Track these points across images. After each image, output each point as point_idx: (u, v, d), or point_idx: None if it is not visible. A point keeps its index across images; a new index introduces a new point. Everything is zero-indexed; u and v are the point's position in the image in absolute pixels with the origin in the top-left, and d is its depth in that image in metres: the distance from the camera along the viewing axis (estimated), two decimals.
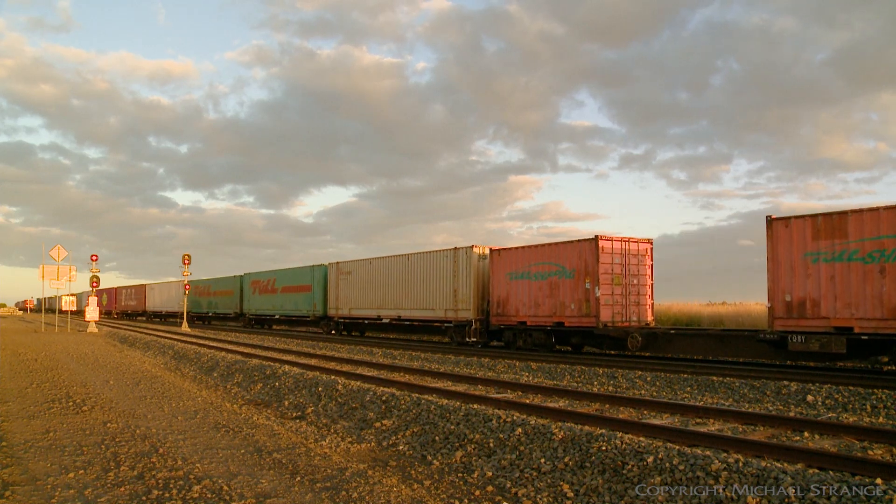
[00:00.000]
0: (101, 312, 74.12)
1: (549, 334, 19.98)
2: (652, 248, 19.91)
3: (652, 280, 19.85)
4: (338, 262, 31.29)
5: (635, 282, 19.31)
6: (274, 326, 41.55)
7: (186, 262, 41.62)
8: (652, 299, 19.89)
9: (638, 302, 19.34)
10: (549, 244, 20.14)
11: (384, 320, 27.24)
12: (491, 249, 22.08)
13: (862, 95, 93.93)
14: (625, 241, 19.15)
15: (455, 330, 23.23)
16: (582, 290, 18.75)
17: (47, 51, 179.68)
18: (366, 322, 29.34)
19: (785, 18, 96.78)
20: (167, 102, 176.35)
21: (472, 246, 22.56)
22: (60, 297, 52.23)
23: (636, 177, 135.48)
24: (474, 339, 22.15)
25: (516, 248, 21.35)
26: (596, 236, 18.49)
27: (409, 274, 25.69)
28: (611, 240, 18.74)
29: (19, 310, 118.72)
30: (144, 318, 61.29)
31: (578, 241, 18.99)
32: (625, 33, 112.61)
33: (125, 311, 69.47)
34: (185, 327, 40.49)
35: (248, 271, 42.26)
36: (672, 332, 20.58)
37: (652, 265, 19.87)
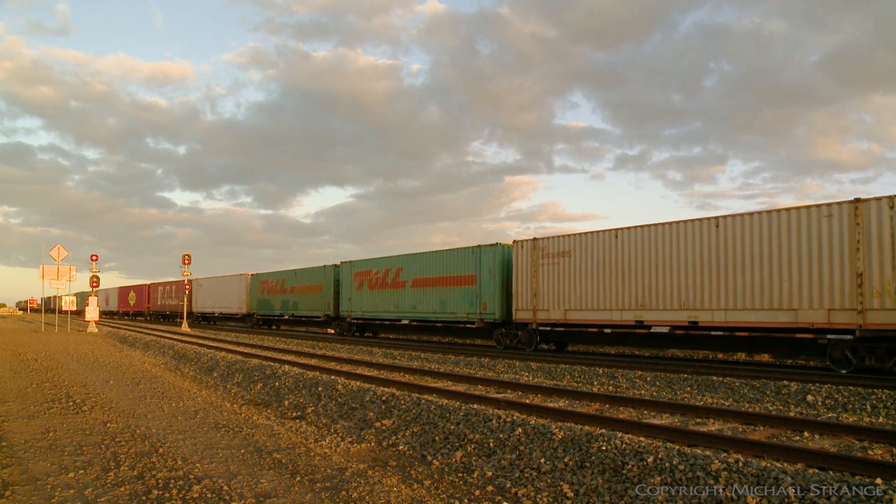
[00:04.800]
0: (131, 313, 67.89)
1: None
2: None
3: None
4: (535, 239, 20.34)
5: None
6: (381, 334, 31.21)
7: (186, 261, 41.61)
8: None
9: None
10: None
11: (657, 328, 16.72)
12: None
13: (854, 97, 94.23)
14: None
15: (864, 345, 13.38)
16: None
17: (46, 53, 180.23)
18: (606, 331, 18.35)
19: (776, 21, 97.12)
20: (165, 104, 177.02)
21: None
22: (60, 297, 52.14)
23: (632, 177, 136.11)
24: None
25: None
26: None
27: (719, 250, 15.57)
28: None
29: (19, 309, 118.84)
30: (190, 321, 50.16)
31: None
32: (616, 36, 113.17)
33: (162, 311, 58.27)
34: (185, 327, 40.49)
35: (346, 259, 31.24)
36: None
37: None
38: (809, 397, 10.89)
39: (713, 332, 15.79)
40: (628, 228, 17.68)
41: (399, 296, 26.71)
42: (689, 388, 12.31)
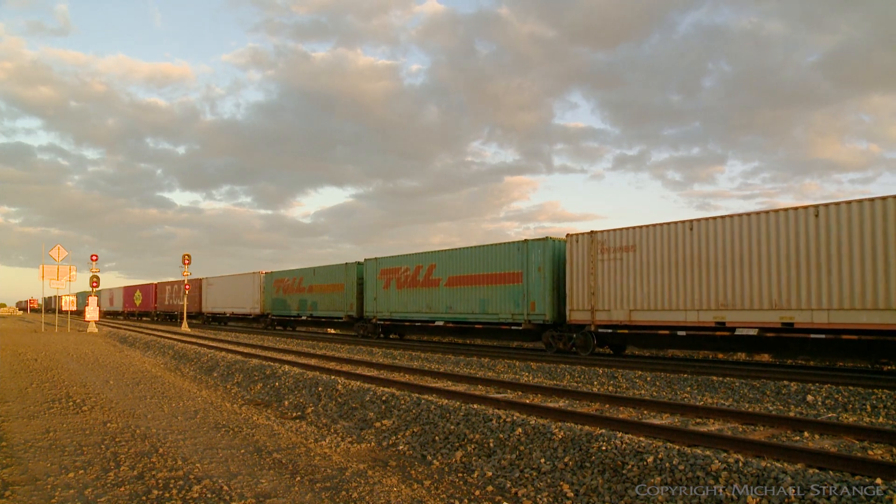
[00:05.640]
0: (136, 313, 65.90)
1: None
2: None
3: None
4: (593, 232, 18.56)
5: None
6: (408, 336, 29.31)
7: (186, 261, 41.61)
8: None
9: None
10: None
11: (742, 330, 14.97)
12: None
13: (853, 97, 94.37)
14: None
15: None
16: None
17: (46, 54, 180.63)
18: (679, 333, 16.44)
19: (774, 22, 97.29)
20: (164, 104, 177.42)
21: None
22: (61, 297, 52.11)
23: (631, 177, 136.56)
24: None
25: None
26: None
27: (820, 242, 13.80)
28: None
29: (19, 309, 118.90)
30: (200, 322, 49.75)
31: None
32: (615, 36, 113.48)
33: (170, 311, 55.47)
34: (184, 327, 40.50)
35: (370, 256, 29.04)
36: None
37: None
38: (809, 397, 10.89)
39: (812, 336, 13.93)
40: (706, 219, 15.94)
41: (432, 295, 24.60)
42: (689, 388, 12.30)
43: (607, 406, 10.25)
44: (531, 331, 20.61)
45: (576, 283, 18.82)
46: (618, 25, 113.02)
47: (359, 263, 30.06)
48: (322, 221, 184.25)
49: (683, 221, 16.42)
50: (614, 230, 18.03)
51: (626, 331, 17.73)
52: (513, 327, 20.93)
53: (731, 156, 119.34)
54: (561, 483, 6.22)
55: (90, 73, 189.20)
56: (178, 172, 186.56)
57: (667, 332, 16.70)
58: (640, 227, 17.39)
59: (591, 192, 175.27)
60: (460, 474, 6.82)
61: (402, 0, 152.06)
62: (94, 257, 38.94)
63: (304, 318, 35.25)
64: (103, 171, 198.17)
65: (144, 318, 63.32)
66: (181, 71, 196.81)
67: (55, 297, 58.90)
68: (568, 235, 19.28)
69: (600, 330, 18.18)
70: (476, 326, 22.77)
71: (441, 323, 24.13)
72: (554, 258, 20.03)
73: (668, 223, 16.79)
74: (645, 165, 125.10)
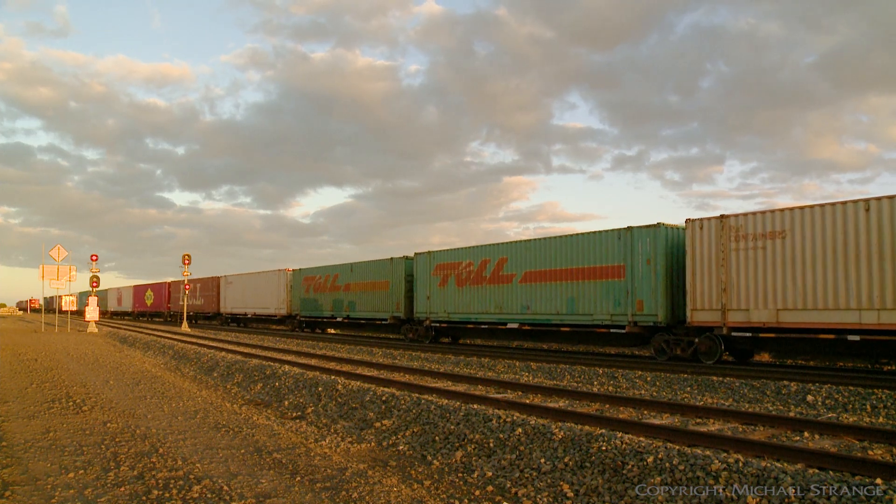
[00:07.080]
0: (148, 313, 62.74)
1: None
2: None
3: None
4: (723, 217, 15.70)
5: None
6: (466, 339, 26.15)
7: (186, 261, 41.63)
8: None
9: None
10: None
11: None
12: None
13: (851, 98, 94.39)
14: None
15: None
16: None
17: (45, 54, 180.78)
18: (850, 338, 13.62)
19: (771, 22, 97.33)
20: (164, 105, 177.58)
21: None
22: (61, 297, 52.05)
23: (630, 177, 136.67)
24: None
25: None
26: None
27: None
28: None
29: (19, 310, 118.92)
30: (218, 322, 47.34)
31: None
32: (612, 37, 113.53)
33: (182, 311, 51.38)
34: (184, 327, 40.49)
35: (420, 250, 25.81)
36: None
37: None
38: (809, 397, 10.89)
39: None
40: (890, 198, 13.02)
41: (503, 293, 21.43)
42: (689, 388, 12.30)
43: (607, 406, 10.25)
44: (637, 334, 17.72)
45: (700, 278, 15.88)
46: (616, 26, 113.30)
47: (407, 258, 27.24)
48: (321, 221, 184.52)
49: (855, 201, 13.56)
50: (754, 213, 15.17)
51: (771, 334, 14.75)
52: (612, 330, 18.09)
53: (730, 156, 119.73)
54: (561, 483, 6.22)
55: (90, 74, 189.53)
56: (178, 172, 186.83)
57: (831, 336, 13.89)
58: (793, 208, 14.52)
59: (590, 193, 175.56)
60: (460, 474, 6.82)
61: (401, 1, 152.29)
62: (94, 257, 38.97)
63: (339, 319, 31.82)
64: (103, 172, 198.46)
65: (156, 319, 60.63)
66: (180, 71, 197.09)
67: (55, 297, 58.58)
68: (688, 221, 16.31)
69: (735, 333, 15.27)
70: (562, 329, 19.81)
71: (515, 325, 21.07)
72: (668, 248, 17.05)
73: (834, 203, 13.85)
74: (644, 166, 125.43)
